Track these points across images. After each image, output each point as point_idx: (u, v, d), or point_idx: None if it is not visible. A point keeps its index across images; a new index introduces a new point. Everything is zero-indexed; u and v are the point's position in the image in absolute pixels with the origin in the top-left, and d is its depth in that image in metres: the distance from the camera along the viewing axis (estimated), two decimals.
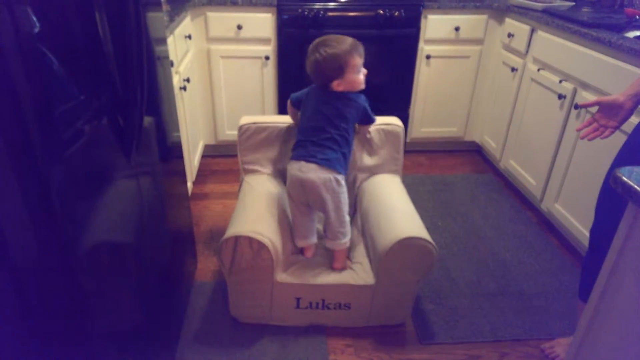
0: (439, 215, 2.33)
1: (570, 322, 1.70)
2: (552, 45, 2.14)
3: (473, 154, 3.02)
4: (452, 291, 1.84)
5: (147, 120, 1.25)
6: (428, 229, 1.56)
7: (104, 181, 0.97)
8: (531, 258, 2.04)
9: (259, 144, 1.82)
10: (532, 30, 2.31)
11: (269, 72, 2.62)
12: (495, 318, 1.72)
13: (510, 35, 2.49)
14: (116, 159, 1.04)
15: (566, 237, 2.15)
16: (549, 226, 2.27)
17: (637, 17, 2.07)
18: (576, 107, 1.96)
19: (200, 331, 1.63)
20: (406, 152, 1.91)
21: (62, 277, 0.82)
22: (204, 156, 2.83)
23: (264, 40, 2.55)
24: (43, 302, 0.80)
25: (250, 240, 1.45)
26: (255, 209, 1.61)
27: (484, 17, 2.60)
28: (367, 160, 1.86)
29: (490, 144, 2.76)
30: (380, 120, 1.83)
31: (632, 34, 1.90)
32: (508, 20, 2.53)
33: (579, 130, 1.38)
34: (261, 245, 1.46)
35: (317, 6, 2.48)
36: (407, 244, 1.47)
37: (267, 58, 2.57)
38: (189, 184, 2.21)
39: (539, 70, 2.24)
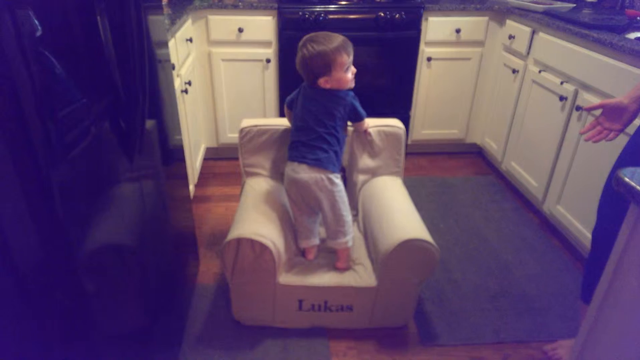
0: (440, 217, 2.33)
1: (573, 323, 1.70)
2: (553, 46, 2.14)
3: (474, 155, 3.02)
4: (454, 293, 1.84)
5: (149, 123, 1.25)
6: (429, 231, 1.56)
7: (106, 184, 0.98)
8: (533, 260, 2.04)
9: (260, 146, 1.83)
10: (533, 32, 2.31)
11: (270, 75, 2.62)
12: (497, 320, 1.72)
13: (511, 37, 2.49)
14: (118, 161, 1.04)
15: (568, 238, 2.15)
16: (550, 228, 2.27)
17: (638, 18, 2.07)
18: (577, 109, 1.96)
19: (203, 333, 1.63)
20: (407, 154, 1.91)
21: (65, 279, 0.83)
22: (205, 159, 2.83)
23: (265, 43, 2.55)
24: (45, 304, 0.81)
25: (253, 242, 1.45)
26: (257, 211, 1.61)
27: (485, 19, 2.60)
28: (369, 162, 1.86)
29: (492, 146, 2.75)
30: (381, 122, 1.83)
31: (633, 35, 1.90)
32: (509, 22, 2.53)
33: (582, 133, 1.37)
34: (263, 248, 1.46)
35: (317, 9, 2.48)
36: (409, 245, 1.47)
37: (268, 61, 2.57)
38: (191, 187, 2.21)
39: (540, 71, 2.24)
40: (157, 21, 1.41)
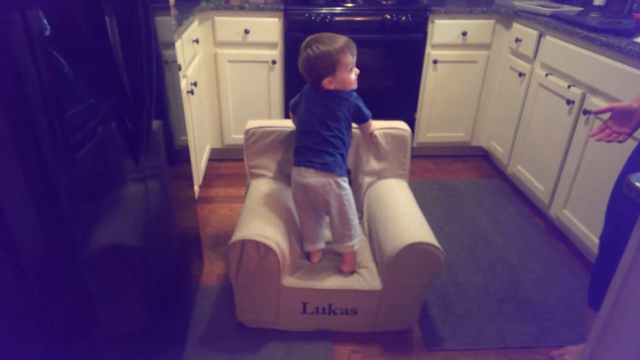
0: (445, 220, 2.32)
1: (579, 329, 1.68)
2: (561, 50, 2.13)
3: (480, 159, 3.00)
4: (459, 297, 1.83)
5: (155, 123, 1.25)
6: (435, 234, 1.55)
7: (112, 184, 0.97)
8: (539, 264, 2.02)
9: (266, 148, 1.82)
10: (540, 35, 2.30)
11: (276, 77, 2.62)
12: (503, 324, 1.70)
13: (517, 40, 2.48)
14: (124, 162, 1.04)
15: (574, 243, 2.13)
16: (557, 232, 2.25)
17: None
18: (585, 112, 1.95)
19: (206, 335, 1.63)
20: (412, 157, 1.90)
21: (69, 279, 0.82)
22: (210, 160, 2.83)
23: (271, 45, 2.55)
24: (49, 303, 0.80)
25: (257, 244, 1.45)
26: (262, 212, 1.61)
27: (492, 22, 2.59)
28: (374, 164, 1.86)
29: (498, 149, 2.74)
30: (387, 124, 1.83)
31: None
32: (516, 25, 2.52)
33: (591, 136, 1.36)
34: (268, 249, 1.45)
35: (323, 11, 2.48)
36: (415, 249, 1.46)
37: (274, 62, 2.57)
38: (196, 188, 2.21)
39: (547, 75, 2.23)
40: (164, 22, 1.41)
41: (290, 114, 1.74)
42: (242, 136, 1.88)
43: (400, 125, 1.85)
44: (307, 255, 1.68)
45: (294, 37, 2.50)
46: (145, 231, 1.16)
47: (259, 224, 1.54)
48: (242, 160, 1.88)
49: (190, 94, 2.08)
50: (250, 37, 2.51)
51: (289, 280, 1.56)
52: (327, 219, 1.66)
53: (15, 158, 0.69)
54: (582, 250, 2.08)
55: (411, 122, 2.75)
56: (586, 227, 1.96)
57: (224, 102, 2.67)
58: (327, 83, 1.52)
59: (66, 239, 0.79)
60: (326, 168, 1.52)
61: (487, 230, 2.25)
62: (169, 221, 1.41)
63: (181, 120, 1.63)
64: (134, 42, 1.00)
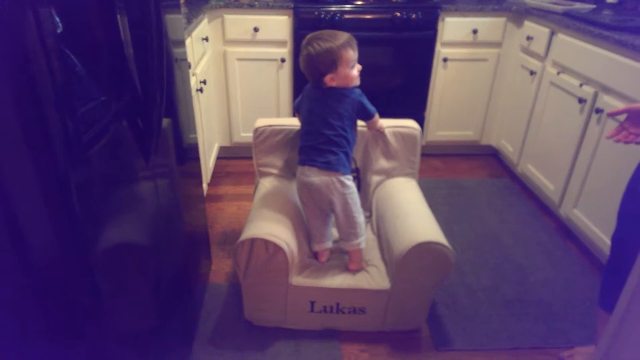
0: (455, 219, 2.30)
1: (590, 330, 1.67)
2: (573, 48, 2.10)
3: (490, 158, 2.98)
4: (468, 297, 1.82)
5: (165, 122, 1.25)
6: (444, 233, 1.54)
7: (122, 182, 0.98)
8: (549, 264, 2.00)
9: (275, 146, 1.82)
10: (552, 33, 2.28)
11: (285, 75, 2.62)
12: (512, 325, 1.69)
13: (529, 38, 2.45)
14: (135, 160, 1.04)
15: (585, 243, 2.11)
16: (567, 232, 2.23)
17: None
18: (597, 111, 1.92)
19: (215, 333, 1.63)
20: (422, 155, 1.88)
21: (80, 277, 0.83)
22: (218, 158, 2.84)
23: (280, 43, 2.55)
24: (61, 301, 0.81)
25: (267, 242, 1.45)
26: (271, 211, 1.61)
27: (503, 19, 2.57)
28: (383, 163, 1.85)
29: (508, 148, 2.72)
30: (397, 122, 1.82)
31: None
32: (527, 23, 2.50)
33: (608, 138, 1.33)
34: (277, 248, 1.45)
35: (333, 9, 2.47)
36: (424, 248, 1.45)
37: (283, 60, 2.57)
38: (204, 186, 2.22)
39: (558, 73, 2.21)
40: (174, 20, 1.41)
41: (296, 114, 1.74)
42: (250, 134, 1.88)
43: (410, 123, 1.84)
44: (315, 255, 1.68)
45: (303, 35, 2.46)
46: (154, 229, 1.17)
47: (268, 222, 1.54)
48: (250, 158, 1.88)
49: (199, 92, 2.08)
50: (260, 35, 2.51)
51: (297, 279, 1.56)
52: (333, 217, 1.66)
53: (27, 156, 0.69)
54: (592, 250, 2.05)
55: (420, 121, 2.74)
56: (597, 227, 1.93)
57: (233, 100, 2.67)
58: (329, 80, 1.50)
59: (76, 237, 0.79)
60: (329, 167, 1.51)
61: (497, 230, 2.23)
62: (177, 219, 1.42)
63: (191, 119, 1.63)
64: (145, 40, 1.00)
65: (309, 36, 1.52)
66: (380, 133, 1.79)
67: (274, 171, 1.85)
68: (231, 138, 2.79)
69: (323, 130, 1.52)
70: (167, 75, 1.21)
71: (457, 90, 2.73)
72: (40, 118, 0.69)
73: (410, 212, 1.63)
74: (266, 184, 1.79)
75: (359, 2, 2.54)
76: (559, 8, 2.30)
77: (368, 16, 2.51)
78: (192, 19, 1.96)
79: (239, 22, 2.48)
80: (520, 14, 2.55)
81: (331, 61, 1.48)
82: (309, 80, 1.58)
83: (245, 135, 2.75)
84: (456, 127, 2.84)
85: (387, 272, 1.59)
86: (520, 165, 2.59)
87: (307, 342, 1.60)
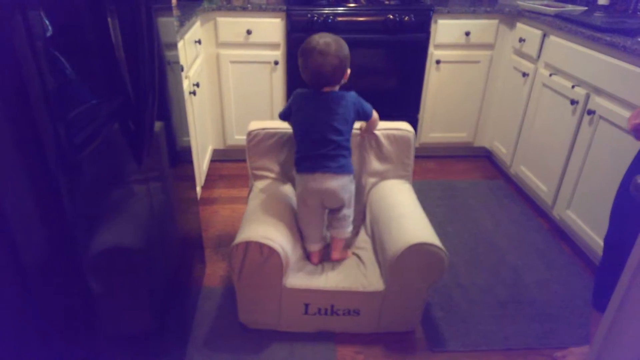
0: (448, 221, 2.31)
1: (583, 330, 1.68)
2: (565, 50, 2.12)
3: (483, 159, 2.99)
4: (462, 298, 1.82)
5: (158, 124, 1.25)
6: (438, 235, 1.54)
7: (114, 185, 0.97)
8: (543, 265, 2.01)
9: (268, 149, 1.82)
10: (544, 35, 2.29)
11: (278, 77, 2.62)
12: (506, 326, 1.70)
13: (521, 40, 2.47)
14: (127, 163, 1.04)
15: (578, 244, 2.12)
16: (560, 233, 2.24)
17: None
18: (589, 112, 1.93)
19: (209, 336, 1.63)
20: (415, 157, 1.89)
21: (71, 279, 0.82)
22: (212, 161, 2.83)
23: (273, 45, 2.55)
24: (51, 304, 0.80)
25: (261, 245, 1.44)
26: (265, 214, 1.60)
27: (495, 21, 2.58)
28: (377, 165, 1.85)
29: (501, 150, 2.73)
30: (390, 125, 1.82)
31: None
32: (519, 25, 2.51)
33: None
34: (272, 251, 1.45)
35: (326, 11, 2.48)
36: (418, 250, 1.46)
37: (276, 63, 2.57)
38: (198, 189, 2.21)
39: (550, 75, 2.22)
40: (166, 23, 1.41)
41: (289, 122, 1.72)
42: (244, 137, 1.88)
43: (404, 126, 1.84)
44: (308, 256, 1.68)
45: (296, 37, 2.50)
46: (147, 232, 1.16)
47: (262, 225, 1.53)
48: (244, 161, 1.88)
49: (192, 95, 2.08)
50: (253, 38, 2.51)
51: (291, 282, 1.55)
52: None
53: (17, 159, 0.69)
54: (585, 251, 2.07)
55: (414, 123, 2.75)
56: (590, 228, 1.94)
57: (226, 102, 2.67)
58: (344, 79, 1.55)
59: (68, 240, 0.79)
60: (343, 170, 1.54)
61: (490, 231, 2.24)
62: (171, 222, 1.41)
63: (183, 121, 1.63)
64: (136, 43, 1.00)
65: (315, 45, 1.48)
66: (373, 135, 1.79)
67: (268, 174, 1.84)
68: (225, 141, 2.79)
69: (331, 137, 1.51)
70: (159, 78, 1.20)
71: (450, 92, 2.74)
72: (30, 121, 0.69)
73: (404, 214, 1.63)
74: (260, 187, 1.79)
75: (352, 5, 2.55)
76: (551, 10, 2.31)
77: (361, 19, 2.52)
78: (184, 21, 1.96)
79: (231, 25, 2.48)
80: (512, 16, 2.57)
81: (347, 66, 1.53)
82: (317, 85, 1.53)
83: (238, 138, 2.75)
84: (449, 129, 2.85)
85: (381, 274, 1.59)
86: (513, 166, 2.61)
87: (301, 344, 1.60)
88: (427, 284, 1.54)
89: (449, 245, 2.10)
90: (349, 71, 1.55)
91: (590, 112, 1.93)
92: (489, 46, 2.65)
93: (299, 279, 1.57)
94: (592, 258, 2.01)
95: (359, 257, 1.70)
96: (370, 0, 2.67)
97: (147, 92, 1.04)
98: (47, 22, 0.71)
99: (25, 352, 0.79)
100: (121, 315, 1.01)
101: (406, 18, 2.49)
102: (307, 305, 1.59)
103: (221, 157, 2.88)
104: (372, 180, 1.86)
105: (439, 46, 2.61)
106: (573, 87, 2.05)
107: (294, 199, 1.78)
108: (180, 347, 1.51)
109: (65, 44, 0.78)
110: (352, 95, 1.57)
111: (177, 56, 1.58)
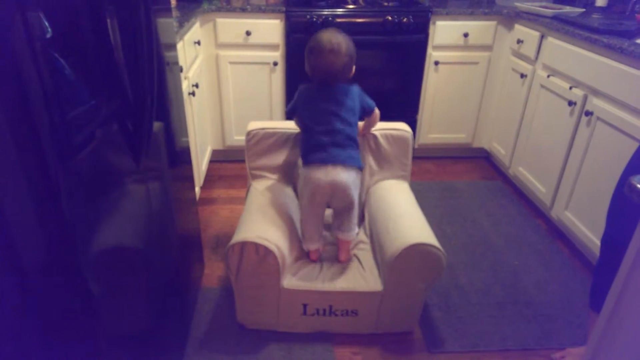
0: (447, 222, 2.31)
1: (581, 331, 1.68)
2: (562, 51, 2.12)
3: (481, 160, 3.00)
4: (460, 299, 1.82)
5: (157, 125, 1.25)
6: (436, 235, 1.55)
7: (113, 185, 0.98)
8: (541, 266, 2.02)
9: (267, 149, 1.82)
10: (542, 37, 2.30)
11: (277, 78, 2.62)
12: (504, 327, 1.70)
13: (519, 41, 2.48)
14: (125, 163, 1.04)
15: (576, 245, 2.13)
16: (558, 234, 2.25)
17: None
18: (586, 114, 1.94)
19: (207, 337, 1.63)
20: (414, 158, 1.90)
21: (70, 280, 0.82)
22: (211, 161, 2.83)
23: (272, 46, 2.56)
24: (50, 304, 0.80)
25: (257, 246, 1.45)
26: (262, 214, 1.61)
27: (493, 23, 2.59)
28: (375, 165, 1.86)
29: (499, 151, 2.74)
30: (388, 125, 1.83)
31: None
32: (517, 26, 2.52)
33: None
34: (267, 251, 1.45)
35: (325, 12, 2.48)
36: (416, 250, 1.46)
37: (275, 64, 2.57)
38: (197, 189, 2.21)
39: (548, 76, 2.23)
40: (165, 23, 1.41)
41: (295, 118, 1.70)
42: (243, 137, 1.88)
43: (402, 126, 1.85)
44: (307, 254, 1.68)
45: (296, 38, 2.51)
46: (145, 233, 1.16)
47: (259, 225, 1.54)
48: (243, 161, 1.88)
49: (191, 96, 2.08)
50: (252, 39, 2.52)
51: (289, 282, 1.56)
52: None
53: (16, 160, 0.69)
54: (583, 252, 2.07)
55: (413, 124, 2.76)
56: (588, 228, 1.95)
57: (226, 103, 2.67)
58: (352, 71, 1.57)
59: (67, 241, 0.79)
60: (354, 161, 1.54)
61: (489, 232, 2.24)
62: (169, 223, 1.41)
63: (182, 122, 1.63)
64: (135, 44, 1.00)
65: (326, 42, 1.48)
66: (371, 135, 1.80)
67: (266, 174, 1.85)
68: (224, 141, 2.79)
69: (340, 127, 1.52)
70: (158, 78, 1.21)
71: (448, 93, 2.75)
72: (29, 122, 0.69)
73: (402, 214, 1.64)
74: (258, 187, 1.79)
75: (351, 6, 2.55)
76: (549, 12, 2.32)
77: (360, 20, 2.52)
78: (184, 22, 1.96)
79: (231, 26, 2.49)
80: (510, 18, 2.58)
81: (355, 57, 1.55)
82: (325, 81, 1.54)
83: (238, 139, 2.75)
84: (448, 130, 2.86)
85: (380, 274, 1.59)
86: (512, 167, 2.61)
87: (300, 345, 1.60)
88: (426, 285, 1.55)
89: (448, 246, 2.11)
90: (354, 67, 1.57)
91: (588, 114, 1.93)
92: (487, 47, 2.66)
93: (297, 279, 1.58)
94: (590, 259, 2.02)
95: (357, 257, 1.70)
96: (369, 1, 2.68)
97: (146, 93, 1.05)
98: (46, 23, 0.72)
99: (22, 350, 0.79)
100: (119, 315, 1.01)
101: (405, 19, 2.49)
102: (305, 306, 1.59)
103: (220, 158, 2.88)
104: (370, 180, 1.87)
105: (437, 47, 2.62)
106: (571, 88, 2.05)
107: (292, 199, 1.79)
108: (178, 347, 1.51)
109: (65, 45, 0.78)
110: (356, 87, 1.59)
111: (176, 57, 1.59)
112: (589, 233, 1.94)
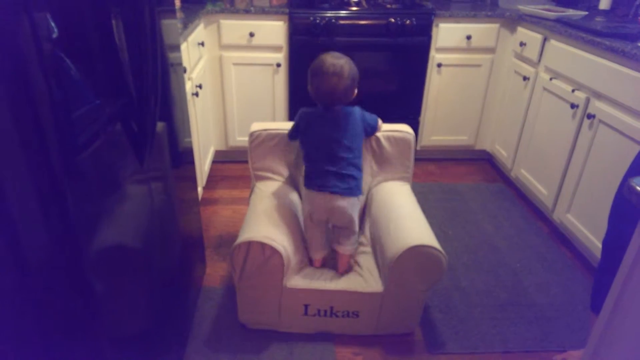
0: (449, 224, 2.31)
1: (582, 334, 1.68)
2: (565, 54, 2.13)
3: (484, 162, 3.00)
4: (461, 301, 1.83)
5: (160, 125, 1.26)
6: (438, 237, 1.55)
7: (116, 185, 0.98)
8: (542, 269, 2.02)
9: (270, 150, 1.83)
10: (545, 39, 2.30)
11: (280, 79, 2.63)
12: (505, 329, 1.70)
13: (522, 44, 2.48)
14: (129, 163, 1.05)
15: (578, 248, 2.13)
16: (560, 237, 2.25)
17: None
18: (589, 117, 1.94)
19: (208, 336, 1.64)
20: (416, 160, 1.90)
21: (72, 278, 0.83)
22: (214, 162, 2.84)
23: (275, 48, 2.57)
24: (53, 303, 0.81)
25: (263, 245, 1.45)
26: (267, 215, 1.62)
27: (496, 25, 2.59)
28: (377, 167, 1.86)
29: (502, 153, 2.74)
30: (391, 127, 1.83)
31: None
32: (520, 29, 2.52)
33: None
34: (273, 251, 1.46)
35: (328, 14, 2.49)
36: (417, 251, 1.47)
37: (278, 65, 2.58)
38: (199, 189, 2.22)
39: (551, 79, 2.23)
40: (170, 25, 1.42)
41: (292, 142, 1.77)
42: (246, 138, 1.89)
43: (404, 128, 1.85)
44: (310, 260, 1.69)
45: (299, 40, 2.52)
46: (148, 232, 1.17)
47: (264, 226, 1.54)
48: (246, 162, 1.89)
49: (195, 96, 2.09)
50: (256, 40, 2.53)
51: (291, 282, 1.56)
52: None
53: (21, 159, 0.70)
54: (585, 254, 2.07)
55: (415, 126, 2.76)
56: (589, 231, 1.95)
57: (229, 104, 2.68)
58: (354, 95, 1.56)
59: (70, 240, 0.80)
60: (352, 193, 1.55)
61: (491, 234, 2.24)
62: (171, 222, 1.42)
63: (186, 122, 1.64)
64: (139, 44, 1.01)
65: (328, 66, 1.48)
66: (373, 137, 1.81)
67: (270, 175, 1.86)
68: (227, 142, 2.80)
69: (341, 154, 1.53)
70: (162, 79, 1.22)
71: (451, 95, 2.75)
72: (35, 121, 0.70)
73: (404, 215, 1.64)
74: (262, 188, 1.80)
75: (354, 8, 2.56)
76: (552, 15, 2.32)
77: (363, 22, 2.53)
78: (188, 24, 1.98)
79: (234, 27, 2.50)
80: (513, 20, 2.58)
81: (358, 79, 1.55)
82: (328, 104, 1.54)
83: (241, 139, 2.76)
84: (451, 132, 2.86)
85: (380, 276, 1.60)
86: (514, 170, 2.61)
87: (301, 345, 1.61)
88: (426, 286, 1.55)
89: (449, 248, 2.11)
90: (356, 90, 1.56)
91: (590, 116, 1.93)
92: (490, 50, 2.66)
93: (299, 279, 1.58)
94: (591, 261, 2.02)
95: (357, 261, 1.70)
96: (372, 3, 2.69)
97: (150, 93, 1.05)
98: (53, 24, 0.73)
99: (25, 350, 0.80)
100: (121, 314, 1.02)
101: (408, 21, 2.50)
102: (306, 306, 1.60)
103: (223, 158, 2.89)
104: (372, 181, 1.88)
105: (440, 49, 2.63)
106: (573, 91, 2.06)
107: (295, 200, 1.79)
108: (179, 346, 1.52)
109: (71, 45, 0.79)
110: (358, 110, 1.60)
111: (180, 58, 1.60)
112: (591, 236, 1.94)
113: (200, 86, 2.21)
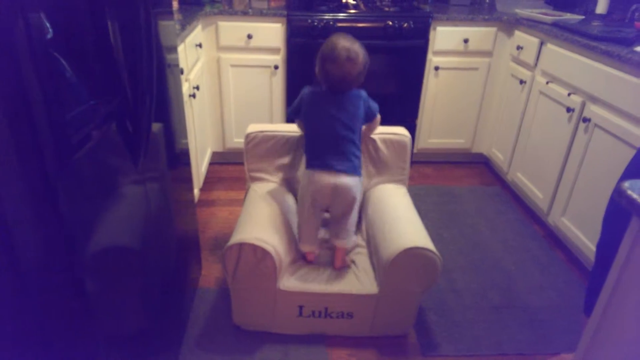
0: (444, 226, 2.32)
1: (576, 337, 1.68)
2: (561, 58, 2.14)
3: (480, 166, 3.01)
4: (456, 303, 1.83)
5: (156, 126, 1.26)
6: (433, 240, 1.56)
7: (111, 186, 0.99)
8: (537, 272, 2.02)
9: (266, 152, 1.84)
10: (541, 43, 2.31)
11: (278, 81, 2.64)
12: (499, 331, 1.70)
13: (519, 47, 2.49)
14: (124, 164, 1.05)
15: (573, 251, 2.13)
16: (555, 240, 2.25)
17: None
18: (584, 120, 1.95)
19: (203, 337, 1.64)
20: (413, 162, 1.91)
21: (67, 279, 0.83)
22: (211, 163, 2.85)
23: (273, 50, 2.57)
24: (46, 303, 0.81)
25: (254, 247, 1.46)
26: (260, 216, 1.62)
27: (493, 29, 2.60)
28: (373, 169, 1.87)
29: (498, 156, 2.75)
30: (387, 130, 1.84)
31: None
32: (517, 32, 2.53)
33: None
34: (265, 253, 1.46)
35: (326, 17, 2.50)
36: (412, 254, 1.47)
37: (276, 67, 2.59)
38: (196, 191, 2.22)
39: (547, 83, 2.24)
40: (167, 26, 1.43)
41: (297, 121, 1.73)
42: (243, 140, 1.89)
43: (400, 130, 1.86)
44: (303, 256, 1.69)
45: (297, 42, 2.52)
46: (143, 233, 1.17)
47: (257, 227, 1.55)
48: (243, 164, 1.89)
49: (192, 98, 2.10)
50: (253, 42, 2.53)
51: (285, 284, 1.57)
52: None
53: (15, 159, 0.70)
54: (580, 258, 2.08)
55: (412, 128, 2.76)
56: (584, 235, 1.96)
57: (226, 106, 2.69)
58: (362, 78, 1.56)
59: (65, 241, 0.80)
60: (355, 171, 1.55)
61: (486, 237, 2.25)
62: (167, 224, 1.42)
63: (182, 124, 1.64)
64: (135, 45, 1.01)
65: (343, 44, 1.48)
66: (370, 139, 1.81)
67: (265, 176, 1.86)
68: (224, 144, 2.80)
69: (343, 133, 1.53)
70: (158, 80, 1.22)
71: (448, 98, 2.76)
72: (29, 121, 0.70)
73: (399, 217, 1.65)
74: (257, 189, 1.80)
75: (352, 11, 2.57)
76: (549, 19, 2.33)
77: (361, 25, 2.54)
78: (185, 25, 1.98)
79: (232, 29, 2.50)
80: (510, 24, 2.59)
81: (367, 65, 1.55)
82: (338, 89, 1.53)
83: (238, 141, 2.77)
84: (447, 135, 2.87)
85: (375, 277, 1.60)
86: (510, 173, 2.62)
87: (295, 346, 1.61)
88: (421, 288, 1.55)
89: (445, 250, 2.11)
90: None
91: (586, 120, 1.94)
92: (487, 53, 2.67)
93: (293, 281, 1.58)
94: (586, 265, 2.02)
95: (353, 260, 1.71)
96: (370, 6, 2.70)
97: (145, 94, 1.06)
98: (47, 24, 0.73)
99: (22, 352, 0.80)
100: (116, 315, 1.02)
101: (405, 25, 2.51)
102: (301, 308, 1.60)
103: (220, 160, 2.89)
104: (368, 184, 1.88)
105: (437, 53, 2.64)
106: (569, 94, 2.06)
107: (290, 202, 1.80)
108: (173, 347, 1.52)
109: (66, 45, 0.80)
110: (364, 93, 1.60)
111: (177, 59, 1.60)
112: (585, 239, 1.94)
113: (197, 87, 2.21)
